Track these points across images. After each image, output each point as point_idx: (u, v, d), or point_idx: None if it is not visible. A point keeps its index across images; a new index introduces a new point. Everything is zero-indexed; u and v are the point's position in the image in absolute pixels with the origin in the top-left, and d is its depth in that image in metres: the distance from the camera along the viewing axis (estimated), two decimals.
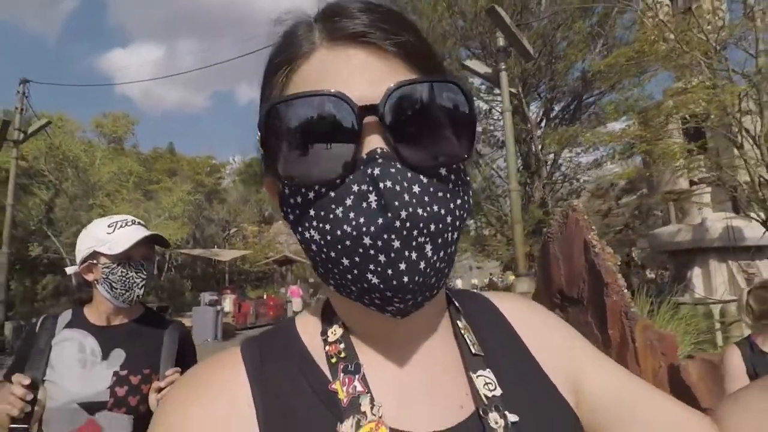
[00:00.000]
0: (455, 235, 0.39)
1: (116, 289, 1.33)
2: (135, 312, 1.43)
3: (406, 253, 0.34)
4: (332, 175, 0.36)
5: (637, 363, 2.87)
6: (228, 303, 15.69)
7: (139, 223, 1.42)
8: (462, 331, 0.46)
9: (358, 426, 0.37)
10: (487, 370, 0.43)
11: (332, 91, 0.35)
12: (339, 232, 0.36)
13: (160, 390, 1.26)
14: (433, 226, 0.36)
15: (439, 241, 0.37)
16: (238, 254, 21.40)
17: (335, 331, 0.43)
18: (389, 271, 0.35)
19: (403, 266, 0.34)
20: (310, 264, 0.42)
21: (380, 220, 0.34)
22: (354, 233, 0.35)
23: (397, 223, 0.33)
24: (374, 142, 0.35)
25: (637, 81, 6.81)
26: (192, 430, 0.39)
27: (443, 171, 0.38)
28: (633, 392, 0.47)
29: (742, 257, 6.75)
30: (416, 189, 0.35)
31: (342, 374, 0.40)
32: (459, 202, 0.39)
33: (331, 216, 0.36)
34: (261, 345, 0.45)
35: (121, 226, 1.37)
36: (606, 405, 0.46)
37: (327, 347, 0.43)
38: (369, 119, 0.35)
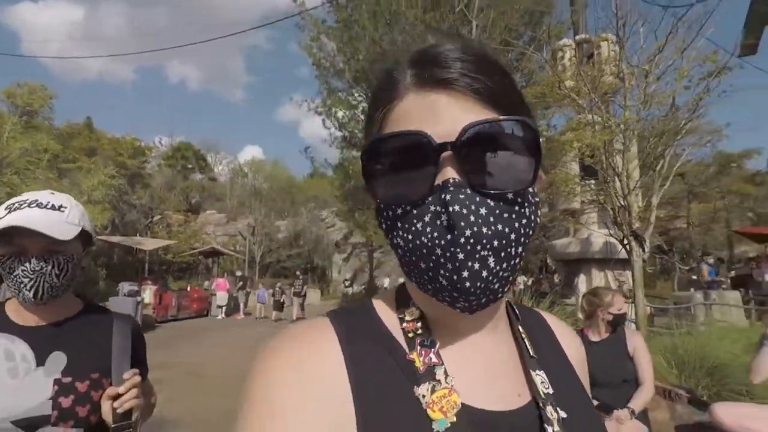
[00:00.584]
0: (519, 249, 0.45)
1: (10, 287, 1.09)
2: (71, 307, 1.20)
3: (469, 264, 0.42)
4: (415, 197, 0.44)
5: None
6: (148, 294, 15.19)
7: (44, 206, 1.11)
8: (522, 335, 0.54)
9: (433, 391, 0.44)
10: (542, 371, 0.51)
11: (416, 130, 0.43)
12: (418, 242, 0.44)
13: (117, 397, 1.09)
14: (496, 242, 0.42)
15: (502, 254, 0.43)
16: (163, 244, 20.51)
17: (412, 312, 0.50)
18: (455, 277, 0.42)
19: (465, 273, 0.42)
20: (397, 262, 0.50)
21: (448, 236, 0.41)
22: (429, 244, 0.43)
23: (462, 240, 0.41)
24: (448, 173, 0.43)
25: (542, 114, 7.88)
26: (290, 378, 0.44)
27: (510, 195, 0.44)
28: None
29: (616, 267, 8.10)
30: (483, 211, 0.42)
31: (419, 347, 0.47)
32: (524, 221, 0.45)
33: (413, 229, 0.44)
34: (346, 318, 0.51)
35: (15, 209, 1.08)
36: None
37: (404, 324, 0.50)
38: (445, 153, 0.43)
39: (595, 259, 8.08)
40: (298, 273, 20.09)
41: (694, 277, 14.35)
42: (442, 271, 0.43)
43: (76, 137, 22.54)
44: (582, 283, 8.22)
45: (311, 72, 10.07)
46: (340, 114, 10.32)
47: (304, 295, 17.62)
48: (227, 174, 44.09)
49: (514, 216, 0.44)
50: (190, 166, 42.68)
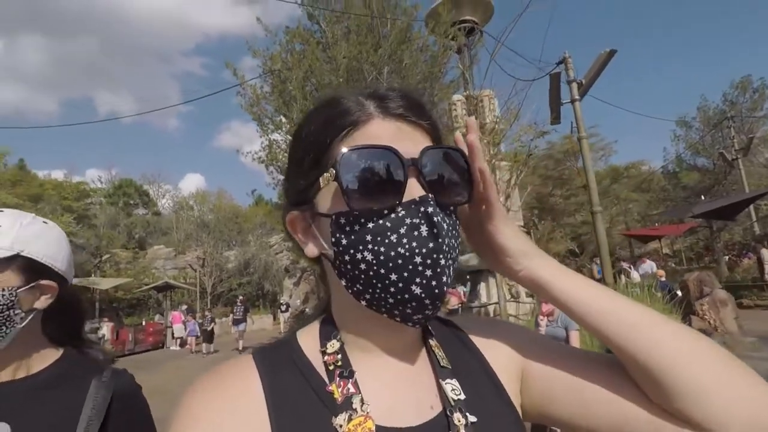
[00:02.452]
0: (456, 264, 0.51)
1: None
2: (36, 360, 0.87)
3: (446, 270, 0.48)
4: (386, 209, 0.48)
5: None
6: (106, 330, 15.92)
7: None
8: (433, 348, 0.58)
9: (350, 419, 0.47)
10: (454, 379, 0.55)
11: (390, 146, 0.48)
12: (392, 253, 0.47)
13: None
14: (452, 254, 0.50)
15: (453, 266, 0.50)
16: (117, 282, 20.98)
17: (333, 345, 0.54)
18: (434, 282, 0.47)
19: (444, 279, 0.47)
20: (344, 283, 0.52)
21: (431, 244, 0.46)
22: (407, 254, 0.46)
23: (445, 247, 0.47)
24: (417, 188, 0.49)
25: None
26: (212, 415, 0.46)
27: (454, 214, 0.53)
28: (565, 366, 0.57)
29: None
30: (446, 225, 0.49)
31: (338, 378, 0.50)
32: (458, 237, 0.53)
33: (386, 240, 0.47)
34: (270, 353, 0.55)
35: None
36: (546, 382, 0.58)
37: (325, 357, 0.53)
38: (411, 169, 0.49)
39: (491, 270, 10.33)
40: (239, 298, 18.44)
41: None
42: (418, 279, 0.46)
43: (19, 184, 22.56)
44: (483, 289, 10.41)
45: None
46: (281, 159, 12.13)
47: (245, 322, 16.07)
48: (171, 207, 44.00)
49: (456, 232, 0.53)
50: (132, 202, 42.28)
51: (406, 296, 0.47)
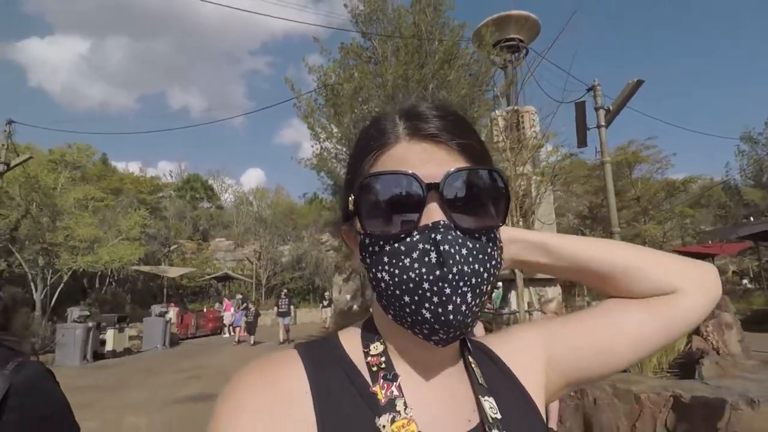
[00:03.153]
0: (488, 287, 0.50)
1: None
2: None
3: (454, 298, 0.46)
4: (404, 233, 0.48)
5: None
6: (172, 315, 17.70)
7: None
8: (472, 365, 0.58)
9: (393, 421, 0.47)
10: (491, 397, 0.55)
11: (409, 171, 0.48)
12: (405, 276, 0.47)
13: None
14: (474, 280, 0.47)
15: (477, 291, 0.48)
16: (184, 271, 23.11)
17: (377, 347, 0.54)
18: (440, 309, 0.46)
19: (450, 307, 0.46)
20: (375, 296, 0.53)
21: (437, 272, 0.46)
22: (417, 279, 0.46)
23: (450, 276, 0.45)
24: (436, 212, 0.48)
25: None
26: (257, 404, 0.47)
27: (484, 237, 0.50)
28: (584, 332, 0.63)
29: (538, 285, 10.73)
30: (464, 251, 0.47)
31: (382, 380, 0.51)
32: (493, 262, 0.51)
33: (400, 264, 0.48)
34: (314, 350, 0.55)
35: None
36: (574, 355, 0.62)
37: (369, 358, 0.53)
38: (432, 193, 0.48)
39: (523, 279, 10.71)
40: (283, 291, 17.71)
41: None
42: (427, 305, 0.47)
43: (102, 179, 25.39)
44: (513, 298, 10.82)
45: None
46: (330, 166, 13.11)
47: (290, 315, 16.28)
48: (233, 201, 46.81)
49: (486, 257, 0.50)
50: (198, 195, 45.49)
51: (419, 318, 0.48)
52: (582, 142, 8.08)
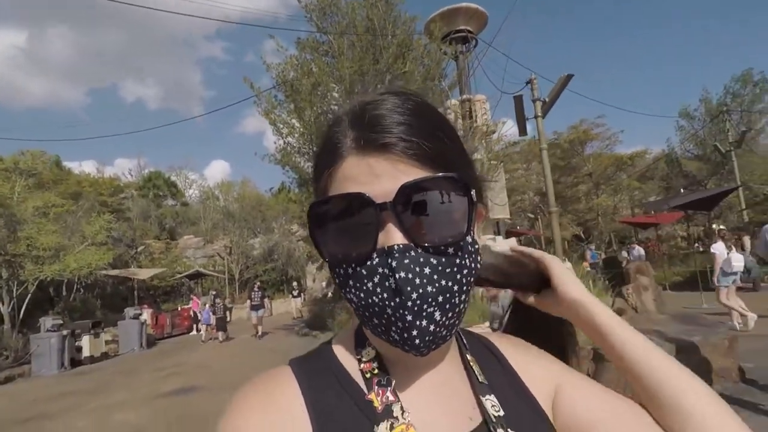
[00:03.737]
0: (463, 297, 0.48)
1: None
2: None
3: (417, 322, 0.44)
4: (362, 256, 0.46)
5: None
6: (146, 316, 17.74)
7: None
8: (470, 364, 0.57)
9: (392, 428, 0.47)
10: (492, 395, 0.54)
11: (360, 192, 0.45)
12: (370, 300, 0.46)
13: None
14: (440, 298, 0.45)
15: (447, 306, 0.46)
16: (155, 272, 22.92)
17: (368, 353, 0.53)
18: (405, 335, 0.45)
19: (415, 332, 0.44)
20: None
21: (397, 300, 0.44)
22: (381, 304, 0.45)
23: (409, 303, 0.44)
24: (392, 233, 0.45)
25: None
26: (255, 424, 0.46)
27: (450, 249, 0.46)
28: (599, 409, 0.54)
29: None
30: (427, 270, 0.44)
31: (376, 387, 0.50)
32: (465, 271, 0.48)
33: (364, 288, 0.46)
34: (306, 364, 0.54)
35: None
36: (578, 418, 0.54)
37: (362, 365, 0.52)
38: (386, 212, 0.45)
39: None
40: (256, 284, 17.30)
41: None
42: (393, 328, 0.46)
43: (59, 183, 24.65)
44: None
45: (270, 82, 13.18)
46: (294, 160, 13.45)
47: (264, 308, 15.77)
48: (198, 197, 46.07)
49: (455, 269, 0.47)
50: (161, 193, 44.54)
51: (390, 338, 0.47)
52: (522, 131, 8.90)
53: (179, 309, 21.19)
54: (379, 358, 0.53)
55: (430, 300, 0.45)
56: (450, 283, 0.46)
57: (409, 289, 0.44)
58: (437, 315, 0.46)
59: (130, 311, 15.91)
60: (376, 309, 0.46)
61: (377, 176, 0.46)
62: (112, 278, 22.38)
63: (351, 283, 0.48)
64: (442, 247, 0.46)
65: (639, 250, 15.24)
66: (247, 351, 12.56)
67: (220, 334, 14.99)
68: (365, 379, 0.52)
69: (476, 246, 0.51)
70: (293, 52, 12.75)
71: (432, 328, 0.45)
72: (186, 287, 28.28)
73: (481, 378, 0.56)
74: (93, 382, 10.18)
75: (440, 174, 0.47)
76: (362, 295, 0.47)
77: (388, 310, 0.45)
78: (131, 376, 10.54)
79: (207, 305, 16.82)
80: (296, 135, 12.70)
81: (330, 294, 23.47)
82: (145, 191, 41.80)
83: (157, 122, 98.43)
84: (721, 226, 12.37)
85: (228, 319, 16.04)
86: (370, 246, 0.46)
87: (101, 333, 14.38)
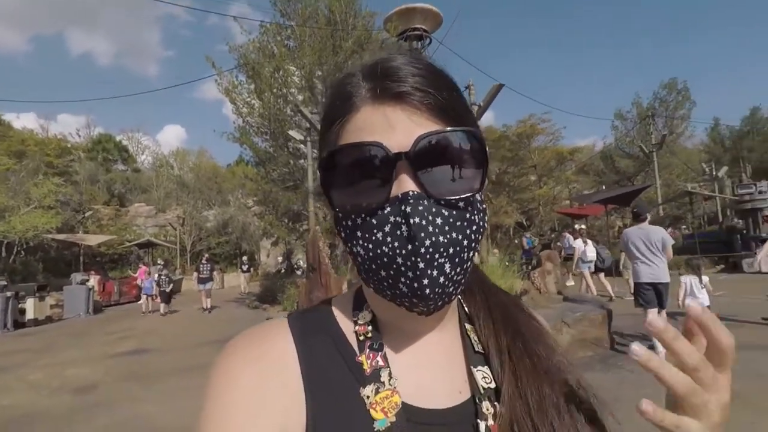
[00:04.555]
0: (471, 254, 0.48)
1: None
2: None
3: (429, 272, 0.44)
4: (374, 206, 0.46)
5: (322, 284, 7.86)
6: (93, 282, 17.76)
7: None
8: (468, 332, 0.56)
9: (377, 392, 0.47)
10: (486, 366, 0.53)
11: (374, 141, 0.45)
12: (379, 251, 0.46)
13: None
14: (451, 249, 0.45)
15: (457, 260, 0.46)
16: (105, 238, 22.57)
17: (365, 316, 0.54)
18: (415, 284, 0.44)
19: (426, 281, 0.44)
20: (356, 269, 0.51)
21: (409, 247, 0.43)
22: (390, 253, 0.45)
23: (422, 250, 0.43)
24: (406, 183, 0.45)
25: None
26: (248, 374, 0.47)
27: (461, 203, 0.47)
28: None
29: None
30: (439, 221, 0.45)
31: (368, 350, 0.51)
32: (474, 227, 0.48)
33: (374, 238, 0.46)
34: (304, 319, 0.55)
35: None
36: None
37: (356, 327, 0.53)
38: (401, 163, 0.45)
39: None
40: (205, 256, 16.57)
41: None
42: (402, 279, 0.45)
43: (1, 140, 23.50)
44: None
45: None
46: (254, 140, 13.91)
47: (212, 281, 15.18)
48: (151, 163, 44.71)
49: (465, 223, 0.47)
50: (111, 157, 42.92)
51: (397, 292, 0.47)
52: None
53: (128, 277, 21.16)
54: (374, 322, 0.53)
55: (441, 250, 0.44)
56: (460, 237, 0.46)
57: (422, 235, 0.43)
58: (447, 267, 0.45)
59: (77, 276, 15.96)
60: (385, 259, 0.45)
61: (393, 126, 0.46)
62: (57, 242, 21.93)
63: (359, 234, 0.47)
64: (454, 201, 0.46)
65: (569, 239, 16.78)
66: (196, 320, 13.00)
67: (162, 306, 14.27)
68: (358, 342, 0.52)
69: (484, 205, 0.51)
70: (256, 35, 13.09)
71: (442, 280, 0.45)
72: (135, 256, 27.97)
73: (477, 347, 0.55)
74: (40, 342, 10.49)
75: (459, 128, 0.47)
76: (371, 245, 0.46)
77: (399, 259, 0.44)
78: (80, 337, 10.90)
79: (151, 275, 15.89)
80: (255, 115, 13.17)
81: (283, 270, 24.05)
82: (94, 154, 40.21)
83: (108, 79, 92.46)
84: (582, 226, 14.34)
85: (173, 290, 15.12)
86: (383, 195, 0.45)
87: (46, 296, 14.46)
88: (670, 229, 23.29)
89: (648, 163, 22.94)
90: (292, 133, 11.01)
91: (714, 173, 22.22)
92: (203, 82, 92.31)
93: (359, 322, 0.54)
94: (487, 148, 0.49)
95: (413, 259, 0.44)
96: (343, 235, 0.50)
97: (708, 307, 6.26)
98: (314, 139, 11.30)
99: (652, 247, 5.84)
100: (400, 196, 0.45)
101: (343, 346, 0.52)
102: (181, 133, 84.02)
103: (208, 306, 14.51)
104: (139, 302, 18.91)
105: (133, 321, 13.61)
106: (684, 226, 24.34)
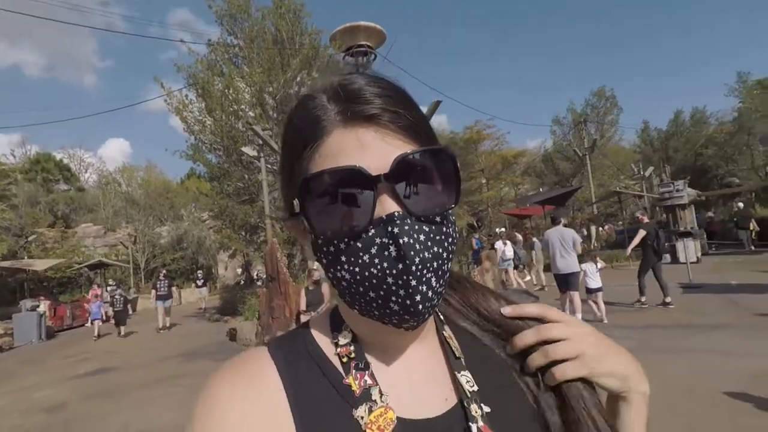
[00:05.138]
0: (449, 264, 0.49)
1: None
2: None
3: (420, 288, 0.45)
4: (358, 229, 0.45)
5: (281, 292, 8.41)
6: (44, 308, 17.21)
7: None
8: (447, 339, 0.57)
9: (370, 411, 0.47)
10: (467, 371, 0.54)
11: (354, 165, 0.45)
12: (367, 273, 0.45)
13: None
14: (436, 263, 0.46)
15: (440, 272, 0.47)
16: (54, 262, 21.75)
17: (345, 336, 0.53)
18: (408, 302, 0.45)
19: (418, 297, 0.45)
20: (337, 293, 0.51)
21: (400, 266, 0.44)
22: (379, 274, 0.45)
23: (413, 268, 0.44)
24: (389, 204, 0.45)
25: None
26: (234, 409, 0.47)
27: (438, 218, 0.48)
28: None
29: None
30: (422, 237, 0.46)
31: (354, 371, 0.50)
32: (450, 239, 0.49)
33: (360, 261, 0.46)
34: (285, 347, 0.54)
35: None
36: None
37: (338, 349, 0.53)
38: (381, 185, 0.45)
39: None
40: (162, 272, 16.20)
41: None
42: (394, 298, 0.45)
43: None
44: None
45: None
46: (207, 157, 14.16)
47: (171, 297, 14.66)
48: (96, 181, 43.00)
49: (443, 237, 0.48)
50: (52, 177, 40.98)
51: (387, 311, 0.47)
52: None
53: (81, 299, 20.56)
54: (356, 342, 0.53)
55: (428, 265, 0.46)
56: (440, 250, 0.48)
57: (412, 253, 0.44)
58: (433, 281, 0.46)
59: (26, 303, 15.55)
60: (374, 281, 0.46)
61: (368, 149, 0.46)
62: (1, 270, 20.96)
63: (343, 259, 0.47)
64: (432, 216, 0.48)
65: (518, 237, 18.11)
66: (156, 338, 13.02)
67: (122, 329, 13.59)
68: (343, 363, 0.52)
69: (453, 217, 0.52)
70: (204, 54, 13.41)
71: (430, 294, 0.46)
72: (85, 278, 27.00)
73: (457, 353, 0.56)
74: None
75: (433, 147, 0.49)
76: (357, 269, 0.46)
77: (389, 279, 0.45)
78: (38, 363, 10.79)
79: (101, 297, 15.07)
80: (207, 132, 13.47)
81: (242, 282, 24.02)
82: (33, 174, 38.27)
83: (41, 92, 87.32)
84: (503, 229, 16.00)
85: (130, 312, 14.44)
86: (366, 218, 0.45)
87: None
88: (608, 226, 25.62)
89: (583, 165, 24.90)
90: (245, 149, 11.43)
91: (642, 173, 24.36)
92: (148, 93, 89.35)
93: (340, 343, 0.53)
94: (458, 164, 0.50)
95: (405, 277, 0.44)
96: (324, 261, 0.50)
97: (599, 288, 7.51)
98: (267, 154, 11.80)
99: (566, 245, 7.45)
100: (384, 217, 0.45)
101: (328, 370, 0.52)
102: (125, 147, 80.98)
103: (167, 324, 14.19)
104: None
105: (90, 344, 13.43)
106: (620, 222, 26.54)
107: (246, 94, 13.17)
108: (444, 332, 0.58)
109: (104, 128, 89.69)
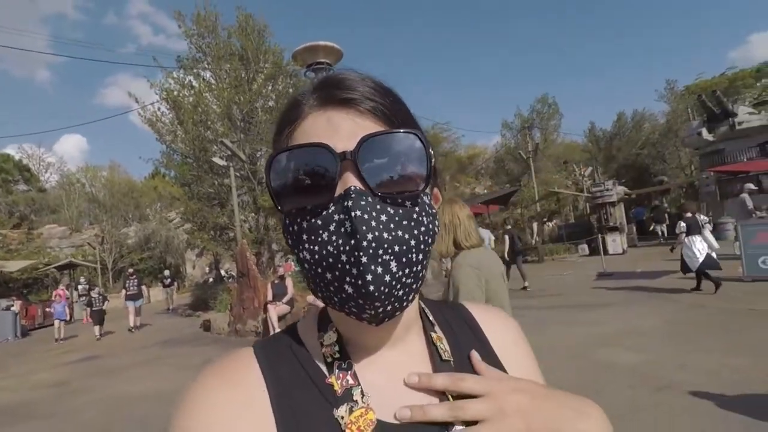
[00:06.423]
0: (420, 256, 0.47)
1: None
2: None
3: (372, 267, 0.43)
4: (319, 207, 0.46)
5: (251, 286, 9.85)
6: (17, 308, 17.78)
7: None
8: (435, 341, 0.56)
9: (351, 411, 0.47)
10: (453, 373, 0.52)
11: (320, 142, 0.46)
12: (324, 252, 0.45)
13: None
14: (397, 247, 0.44)
15: (404, 260, 0.45)
16: (25, 264, 22.14)
17: (330, 336, 0.53)
18: (359, 281, 0.43)
19: (369, 277, 0.43)
20: (306, 281, 0.51)
21: (352, 241, 0.43)
22: (335, 252, 0.44)
23: (364, 243, 0.42)
24: (350, 181, 0.45)
25: None
26: (216, 410, 0.46)
27: (408, 203, 0.47)
28: None
29: None
30: (383, 217, 0.45)
31: (337, 370, 0.50)
32: (423, 229, 0.48)
33: (319, 239, 0.45)
34: (269, 347, 0.54)
35: None
36: None
37: (323, 349, 0.52)
38: (346, 162, 0.45)
39: None
40: (129, 271, 16.03)
41: None
42: (347, 278, 0.44)
43: None
44: None
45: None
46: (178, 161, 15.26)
47: (142, 297, 14.42)
48: (57, 181, 42.36)
49: (413, 224, 0.47)
50: (11, 178, 40.21)
51: (343, 296, 0.46)
52: None
53: (50, 300, 21.06)
54: (339, 342, 0.53)
55: (386, 246, 0.44)
56: (407, 236, 0.46)
57: (364, 228, 0.43)
58: (393, 265, 0.44)
59: (1, 302, 16.21)
60: (330, 260, 0.45)
61: (337, 129, 0.47)
62: None
63: (305, 237, 0.47)
64: (399, 200, 0.47)
65: (487, 232, 20.17)
66: (132, 334, 13.65)
67: (96, 328, 13.15)
68: (326, 363, 0.51)
69: (433, 210, 0.51)
70: (175, 71, 14.50)
71: (387, 278, 0.44)
72: (51, 278, 27.20)
73: (445, 356, 0.55)
74: None
75: (402, 130, 0.48)
76: (316, 248, 0.46)
77: (343, 257, 0.44)
78: (24, 356, 11.60)
79: (63, 298, 14.79)
80: (178, 141, 14.59)
81: (211, 279, 24.81)
82: None
83: None
84: None
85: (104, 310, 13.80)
86: (328, 196, 0.45)
87: None
88: (555, 221, 28.09)
89: (529, 166, 27.23)
90: (215, 159, 12.70)
91: (582, 173, 26.81)
92: (104, 86, 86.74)
93: (325, 343, 0.53)
94: (431, 150, 0.49)
95: (355, 254, 0.43)
96: (290, 241, 0.50)
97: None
98: (237, 164, 13.12)
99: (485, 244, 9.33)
100: (342, 192, 0.45)
101: (311, 369, 0.51)
102: (81, 143, 78.38)
103: (138, 324, 13.94)
104: (67, 323, 18.91)
105: (68, 340, 14.06)
106: (563, 219, 29.10)
107: (215, 107, 14.39)
108: (433, 333, 0.57)
109: (57, 124, 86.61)
